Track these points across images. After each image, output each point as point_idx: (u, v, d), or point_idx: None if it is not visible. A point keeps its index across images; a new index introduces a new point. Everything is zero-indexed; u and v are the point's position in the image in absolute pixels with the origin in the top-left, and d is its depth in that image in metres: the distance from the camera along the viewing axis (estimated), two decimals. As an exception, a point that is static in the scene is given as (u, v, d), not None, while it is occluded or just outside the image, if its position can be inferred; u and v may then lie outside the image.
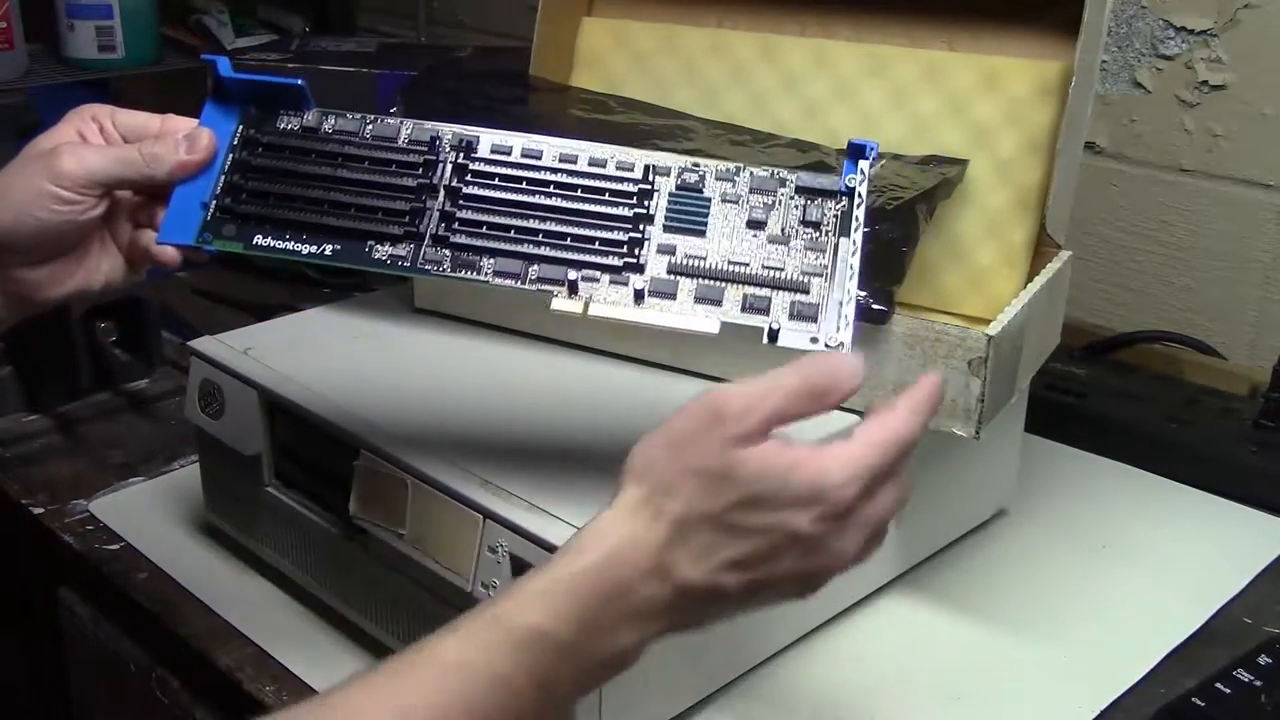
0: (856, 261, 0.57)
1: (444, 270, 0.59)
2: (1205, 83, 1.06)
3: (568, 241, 0.59)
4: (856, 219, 0.58)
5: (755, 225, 0.58)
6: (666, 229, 0.59)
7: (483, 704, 0.47)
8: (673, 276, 0.58)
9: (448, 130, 0.62)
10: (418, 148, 0.61)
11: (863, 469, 0.51)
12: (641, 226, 0.59)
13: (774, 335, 0.56)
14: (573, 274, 0.58)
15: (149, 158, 0.60)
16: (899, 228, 0.72)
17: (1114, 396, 1.00)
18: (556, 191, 0.60)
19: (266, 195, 0.61)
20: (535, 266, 0.58)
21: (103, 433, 0.99)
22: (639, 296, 0.57)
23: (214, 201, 0.61)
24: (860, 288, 0.69)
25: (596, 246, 0.58)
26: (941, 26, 0.84)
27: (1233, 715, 0.67)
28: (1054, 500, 0.91)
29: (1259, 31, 1.03)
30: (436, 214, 0.60)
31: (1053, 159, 0.77)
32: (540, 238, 0.59)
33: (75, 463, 0.94)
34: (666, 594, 0.50)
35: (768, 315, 0.56)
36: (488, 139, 0.61)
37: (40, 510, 0.88)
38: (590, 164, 0.60)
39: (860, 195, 0.58)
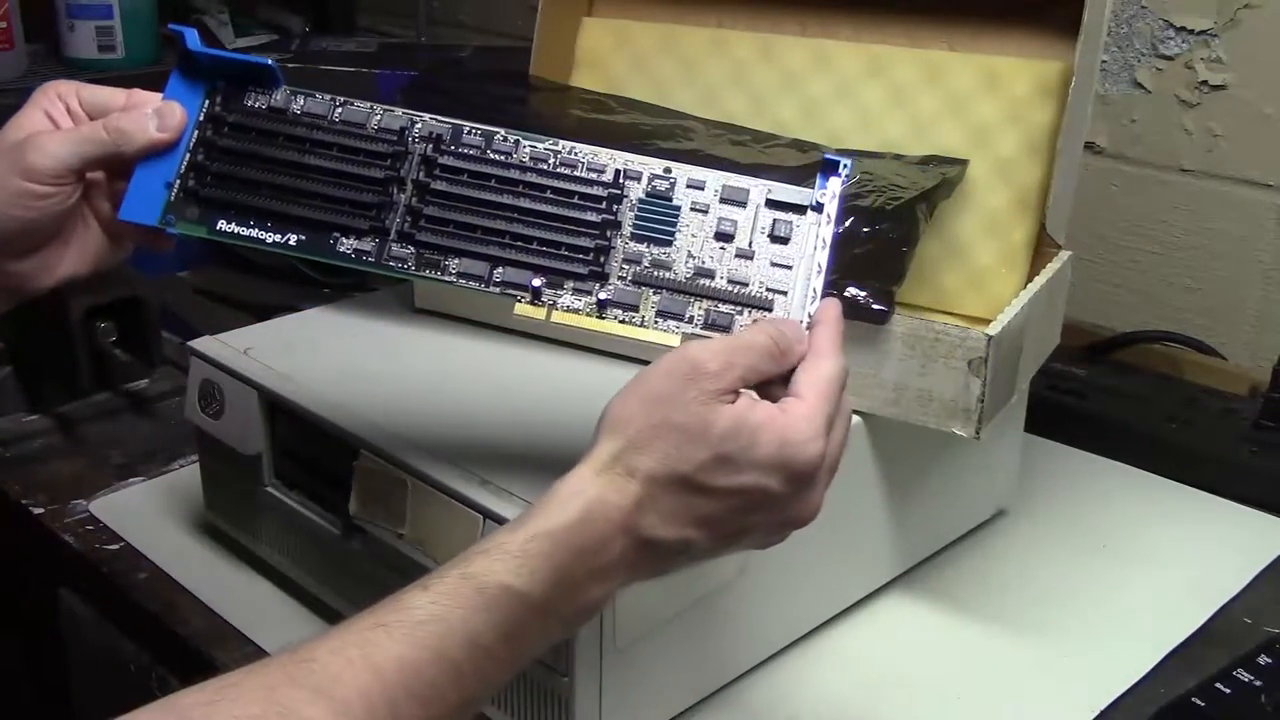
0: (820, 283, 0.57)
1: (408, 268, 0.58)
2: (1205, 83, 1.06)
3: (534, 245, 0.58)
4: (823, 239, 0.58)
5: (724, 238, 0.58)
6: (634, 237, 0.58)
7: (453, 660, 0.47)
8: (637, 287, 0.57)
9: (418, 121, 0.60)
10: (387, 136, 0.60)
11: (822, 422, 0.52)
12: (609, 234, 0.58)
13: None
14: (536, 280, 0.57)
15: (116, 134, 0.59)
16: (899, 228, 0.72)
17: (1114, 396, 1.00)
18: (525, 192, 0.59)
19: (231, 179, 0.60)
20: (500, 269, 0.58)
21: (103, 433, 0.99)
22: (602, 307, 0.57)
23: (178, 182, 0.60)
24: (860, 288, 0.69)
25: (563, 252, 0.58)
26: (941, 26, 0.84)
27: (1233, 715, 0.67)
28: (1054, 500, 0.91)
29: (1259, 31, 1.03)
30: (403, 209, 0.59)
31: (1053, 159, 0.77)
32: (507, 239, 0.58)
33: (75, 463, 0.94)
34: (636, 549, 0.51)
35: (728, 333, 0.56)
36: (456, 134, 0.60)
37: (40, 510, 0.88)
38: (561, 165, 0.59)
39: (830, 215, 0.58)
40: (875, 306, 0.69)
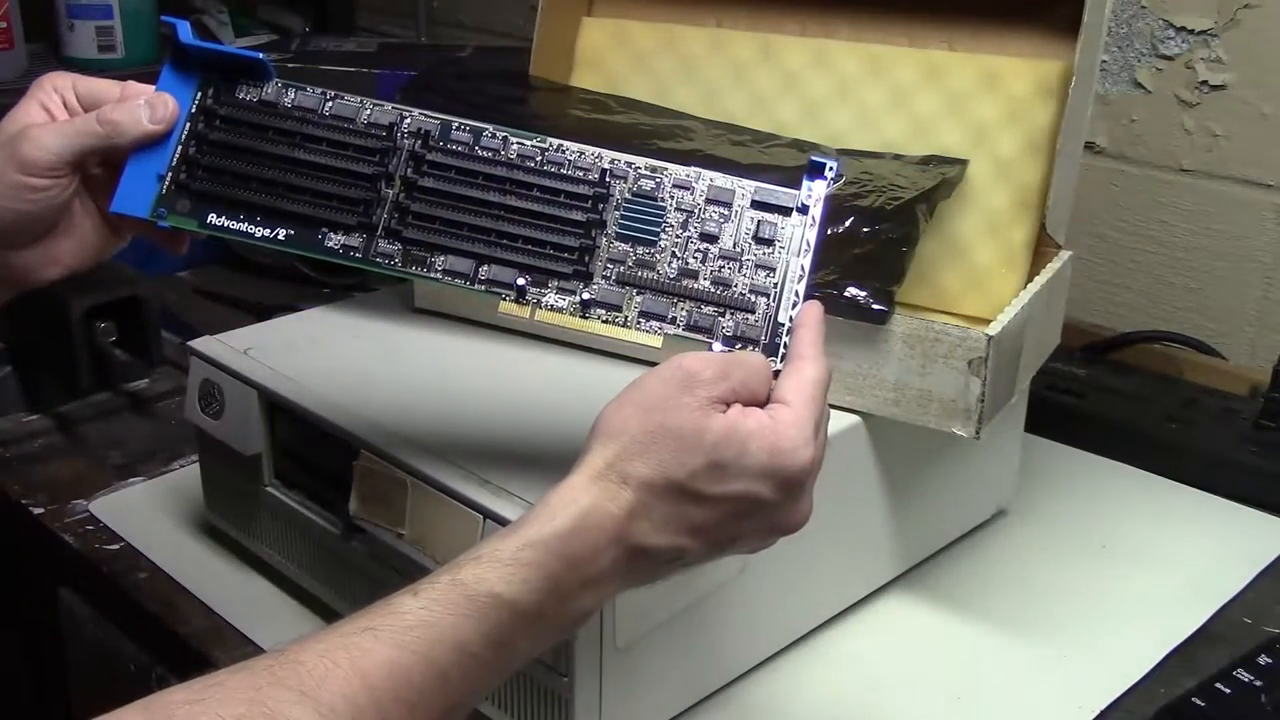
0: (802, 288, 0.57)
1: (395, 265, 0.59)
2: (1205, 83, 1.06)
3: (519, 243, 0.58)
4: (808, 242, 0.58)
5: (708, 238, 0.58)
6: (619, 236, 0.58)
7: (441, 666, 0.47)
8: (621, 287, 0.57)
9: (407, 116, 0.60)
10: (376, 131, 0.60)
11: (810, 428, 0.53)
12: (593, 233, 0.58)
13: None
14: (521, 280, 0.58)
15: (108, 125, 0.60)
16: (899, 228, 0.72)
17: (1114, 396, 1.00)
18: (512, 190, 0.59)
19: (222, 172, 0.60)
20: (485, 267, 0.58)
21: (103, 433, 0.99)
22: (585, 306, 0.57)
23: (169, 174, 0.60)
24: (860, 288, 0.69)
25: (548, 251, 0.58)
26: (941, 26, 0.84)
27: (1233, 715, 0.67)
28: (1054, 500, 0.91)
29: (1259, 31, 1.03)
30: (390, 205, 0.59)
31: (1053, 159, 0.77)
32: (492, 237, 0.58)
33: (75, 463, 0.94)
34: (629, 558, 0.51)
35: (710, 335, 0.57)
36: (445, 130, 0.60)
37: (40, 510, 0.88)
38: (548, 163, 0.59)
39: (814, 218, 0.58)
40: (875, 306, 0.69)
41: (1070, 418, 0.98)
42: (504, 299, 0.58)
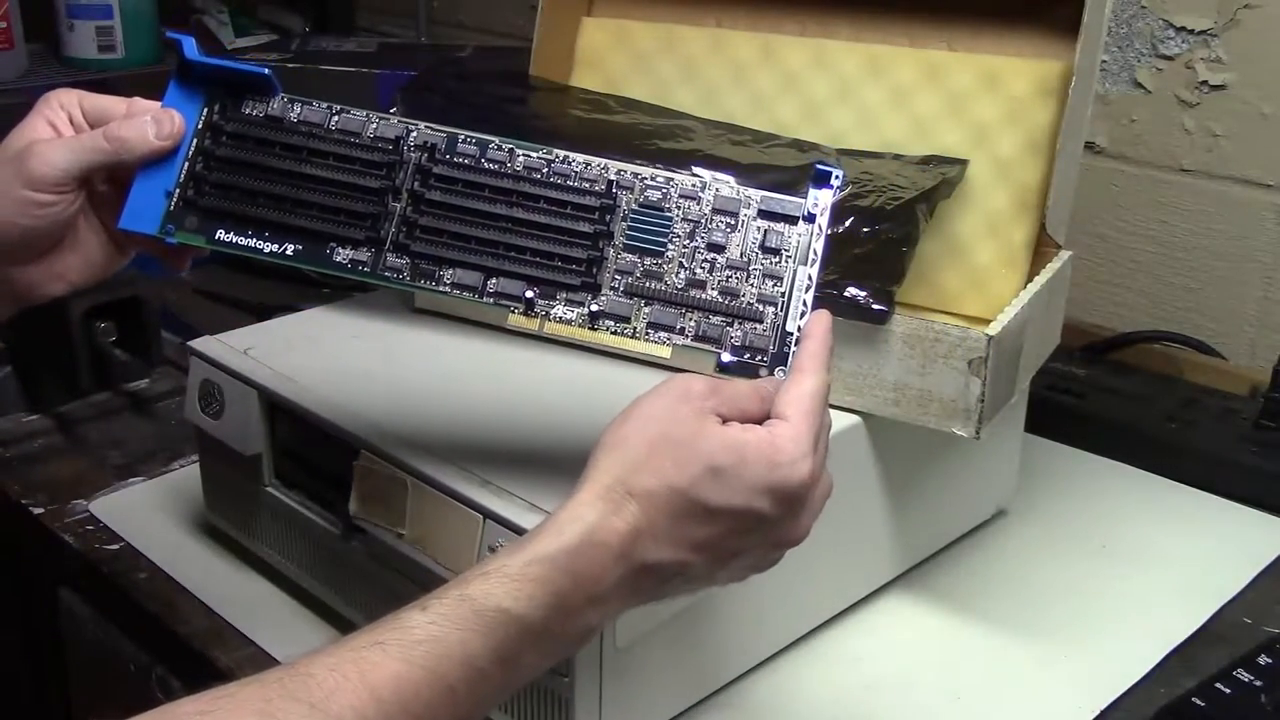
0: (810, 297, 0.57)
1: (403, 279, 0.59)
2: (1205, 83, 1.06)
3: (527, 256, 0.58)
4: (815, 251, 0.58)
5: (715, 248, 0.58)
6: (626, 247, 0.58)
7: (448, 681, 0.47)
8: (629, 298, 0.58)
9: (413, 130, 0.61)
10: (383, 145, 0.60)
11: (809, 441, 0.53)
12: (601, 244, 0.58)
13: (722, 367, 0.57)
14: (529, 292, 0.58)
15: (116, 142, 0.60)
16: (899, 228, 0.72)
17: (1114, 396, 1.00)
18: (519, 202, 0.59)
19: (230, 188, 0.60)
20: (494, 280, 0.58)
21: (103, 433, 0.99)
22: (594, 318, 0.58)
23: (177, 190, 0.61)
24: (860, 288, 0.69)
25: (555, 263, 0.58)
26: (941, 26, 0.84)
27: (1233, 715, 0.67)
28: (1054, 500, 0.91)
29: (1259, 31, 1.03)
30: (398, 219, 0.59)
31: (1053, 159, 0.77)
32: (500, 250, 0.58)
33: (75, 463, 0.94)
34: (634, 574, 0.52)
35: (719, 345, 0.57)
36: (451, 143, 0.60)
37: (40, 510, 0.88)
38: (554, 175, 0.59)
39: (820, 226, 0.58)
40: (875, 306, 0.69)
41: (1070, 418, 0.98)
42: (513, 311, 0.58)
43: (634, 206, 0.59)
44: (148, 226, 0.60)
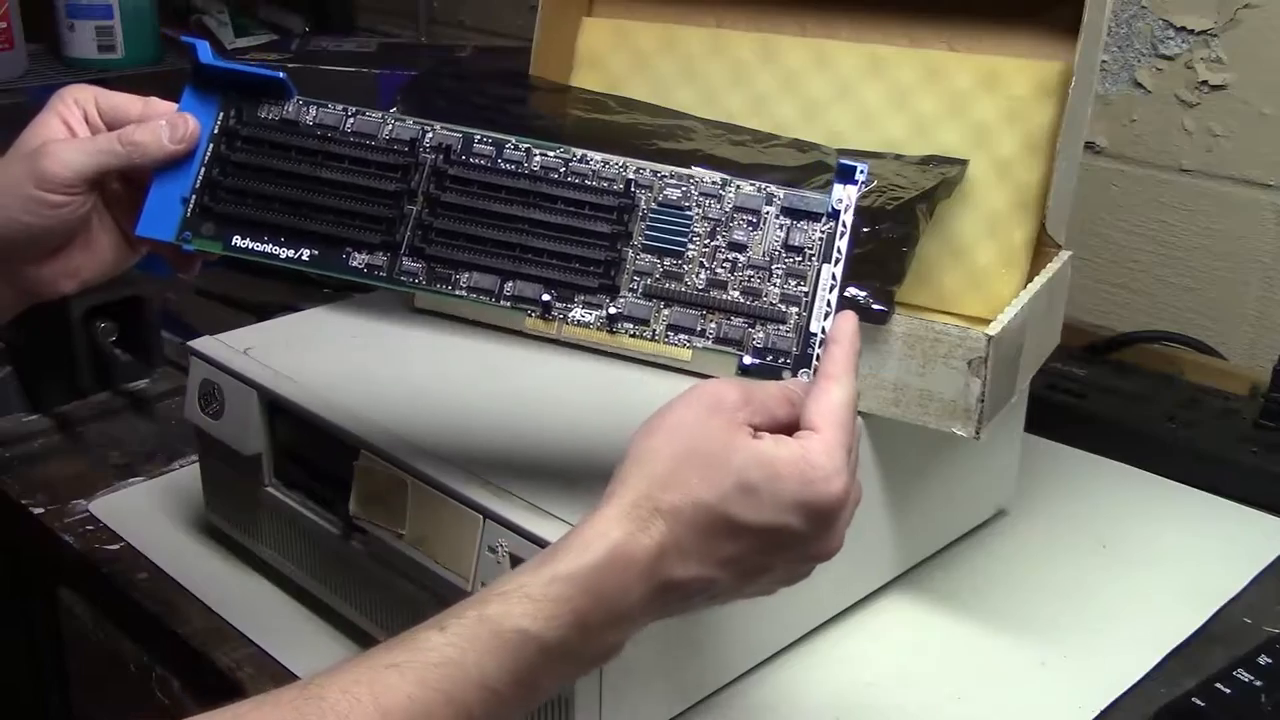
0: (834, 297, 0.56)
1: (419, 283, 0.58)
2: (1205, 83, 1.06)
3: (544, 258, 0.57)
4: (839, 250, 0.56)
5: (737, 247, 0.57)
6: (645, 248, 0.57)
7: (464, 704, 0.46)
8: (648, 300, 0.57)
9: (429, 131, 0.60)
10: (399, 147, 0.60)
11: (842, 455, 0.52)
12: (619, 246, 0.57)
13: (744, 369, 0.56)
14: (546, 295, 0.57)
15: (130, 146, 0.60)
16: (899, 228, 0.72)
17: (1114, 396, 1.00)
18: (536, 203, 0.58)
19: (245, 194, 0.60)
20: (511, 283, 0.57)
21: (103, 433, 0.99)
22: (612, 321, 0.57)
23: (194, 197, 0.60)
24: (860, 288, 0.69)
25: (573, 265, 0.57)
26: (941, 26, 0.84)
27: (1233, 715, 0.67)
28: (1054, 500, 0.91)
29: (1259, 31, 1.03)
30: (413, 223, 0.59)
31: (1053, 159, 0.77)
32: (517, 252, 0.58)
33: (75, 463, 0.94)
34: (659, 592, 0.50)
35: (741, 347, 0.56)
36: (467, 144, 0.60)
37: (40, 510, 0.88)
38: (572, 174, 0.58)
39: (845, 224, 0.57)
40: (875, 306, 0.69)
41: (1070, 418, 0.98)
42: (530, 315, 0.57)
43: (653, 206, 0.58)
44: (164, 234, 0.60)
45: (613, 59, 0.92)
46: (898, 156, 0.80)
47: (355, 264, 0.59)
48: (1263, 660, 0.71)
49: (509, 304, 0.57)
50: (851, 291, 0.69)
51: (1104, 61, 1.11)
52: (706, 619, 0.67)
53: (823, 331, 0.55)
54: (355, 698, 0.45)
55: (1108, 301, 1.15)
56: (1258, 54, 1.03)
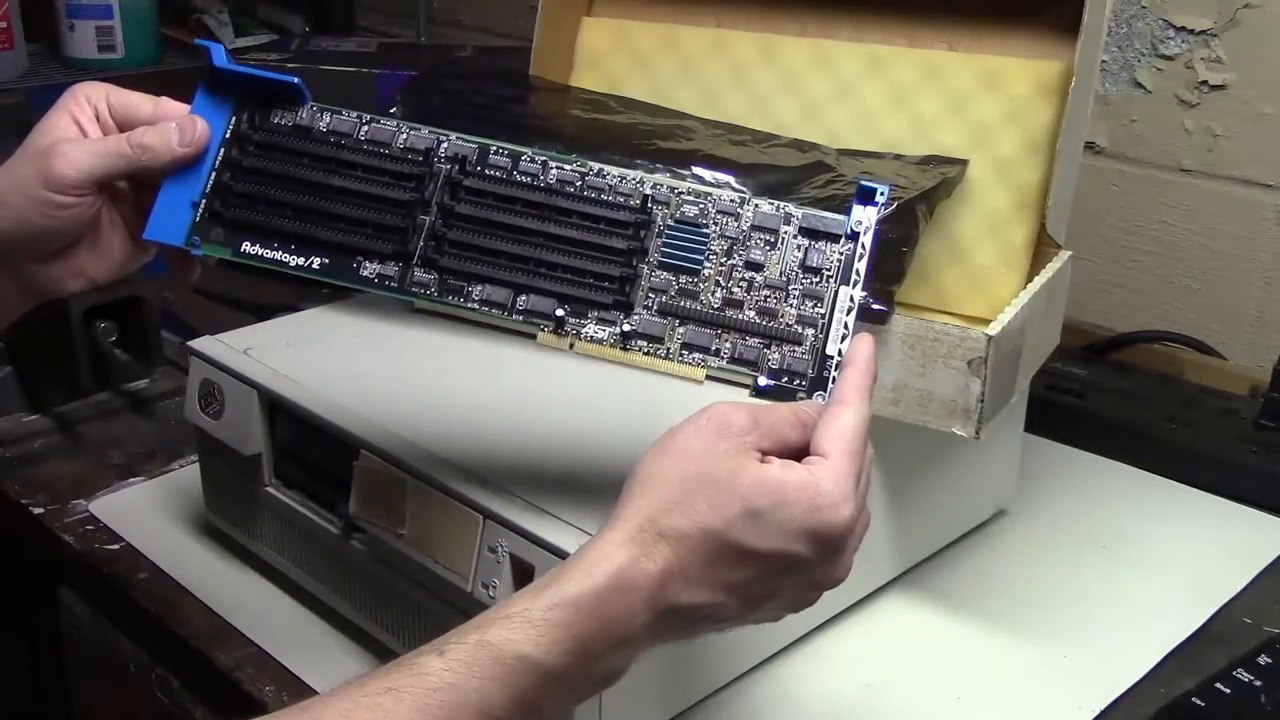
0: (852, 320, 0.55)
1: (431, 294, 0.57)
2: (1205, 83, 1.06)
3: (558, 272, 0.57)
4: (858, 272, 0.56)
5: (753, 267, 0.56)
6: (661, 265, 0.56)
7: None
8: (663, 318, 0.56)
9: (444, 141, 0.59)
10: (413, 156, 0.59)
11: (850, 482, 0.51)
12: (635, 262, 0.56)
13: (759, 391, 0.55)
14: (560, 310, 0.56)
15: (139, 149, 0.59)
16: (899, 228, 0.72)
17: (1114, 396, 1.00)
18: (551, 217, 0.57)
19: (256, 200, 0.60)
20: (524, 297, 0.57)
21: (103, 433, 0.99)
22: (626, 338, 0.56)
23: (203, 201, 0.60)
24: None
25: (588, 280, 0.57)
26: (941, 26, 0.84)
27: (1233, 715, 0.67)
28: (1054, 500, 0.91)
29: (1259, 31, 1.03)
30: (427, 233, 0.58)
31: (1053, 159, 0.77)
32: (531, 266, 0.57)
33: (75, 463, 0.94)
34: (662, 618, 0.50)
35: (756, 368, 0.55)
36: (483, 155, 0.59)
37: (40, 510, 0.88)
38: (588, 188, 0.58)
39: (864, 245, 0.56)
40: (875, 306, 0.69)
41: (1070, 418, 0.98)
42: (542, 330, 0.57)
43: (670, 223, 0.57)
44: (173, 238, 0.60)
45: (613, 59, 0.92)
46: (897, 156, 0.80)
47: (366, 273, 0.58)
48: (1263, 660, 0.71)
49: (521, 318, 0.57)
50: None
51: (1104, 61, 1.11)
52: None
53: (839, 354, 0.55)
54: None
55: (1108, 301, 1.15)
56: (1258, 54, 1.03)
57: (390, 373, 0.77)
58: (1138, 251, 1.13)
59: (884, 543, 0.78)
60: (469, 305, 0.57)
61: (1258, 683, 0.69)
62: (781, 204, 0.57)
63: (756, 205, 0.57)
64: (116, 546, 0.83)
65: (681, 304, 0.56)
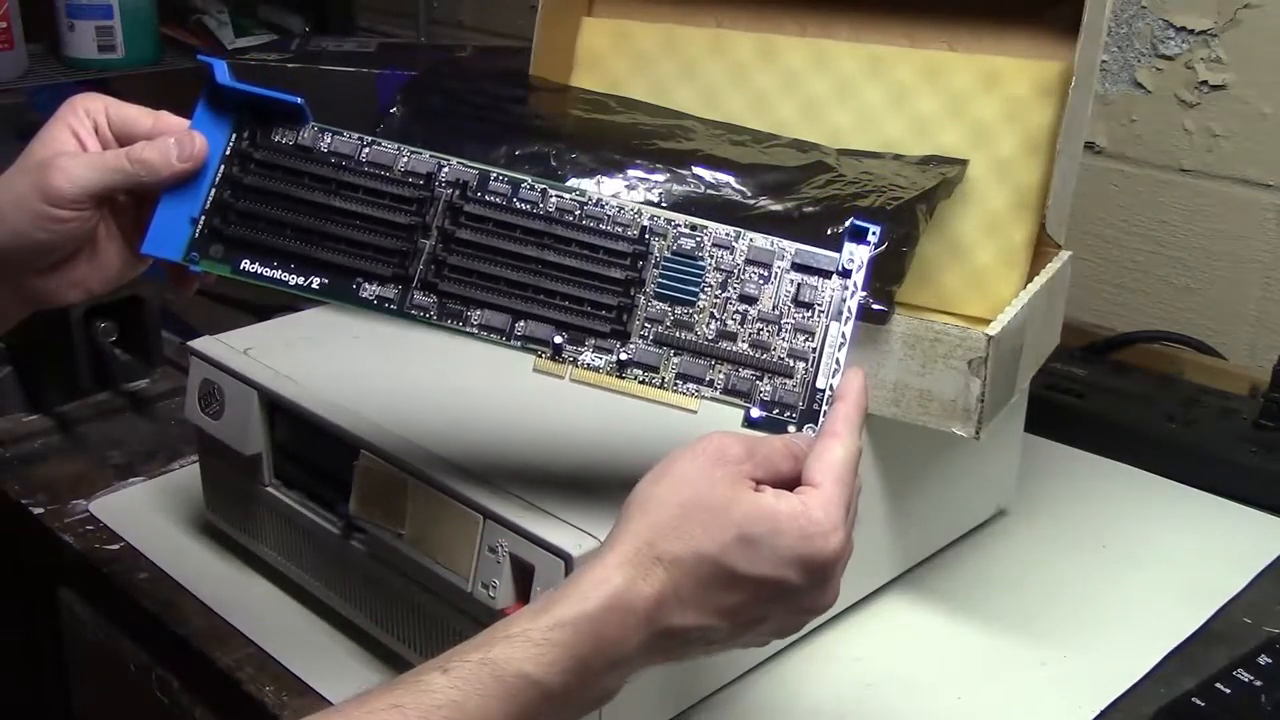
0: (843, 355, 0.56)
1: (430, 318, 0.58)
2: (1205, 83, 1.06)
3: (557, 300, 0.58)
4: (849, 308, 0.57)
5: (747, 300, 0.57)
6: (657, 295, 0.57)
7: None
8: (658, 348, 0.57)
9: (445, 165, 0.60)
10: (414, 180, 0.60)
11: (840, 512, 0.52)
12: (632, 292, 0.57)
13: (751, 422, 0.56)
14: (558, 337, 0.57)
15: (138, 164, 0.59)
16: (899, 228, 0.72)
17: (1114, 396, 1.00)
18: (551, 244, 0.58)
19: (256, 218, 0.60)
20: (522, 323, 0.58)
21: (103, 433, 0.99)
22: (622, 366, 0.57)
23: (203, 218, 0.60)
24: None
25: (586, 309, 0.57)
26: (941, 26, 0.84)
27: (1233, 715, 0.67)
28: (1054, 500, 0.91)
29: (1259, 31, 1.03)
30: (427, 257, 0.59)
31: (1053, 159, 0.77)
32: (530, 293, 0.58)
33: (75, 463, 0.94)
34: (657, 639, 0.51)
35: (748, 399, 0.56)
36: (483, 181, 0.59)
37: (40, 510, 0.88)
38: (587, 218, 0.58)
39: (855, 283, 0.57)
40: (875, 306, 0.69)
41: (1070, 418, 0.98)
42: (540, 355, 0.58)
43: (667, 254, 0.58)
44: (171, 253, 0.60)
45: (613, 59, 0.92)
46: (897, 156, 0.80)
47: (365, 295, 0.59)
48: (1263, 660, 0.71)
49: (519, 344, 0.58)
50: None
51: (1104, 61, 1.11)
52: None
53: (830, 388, 0.56)
54: None
55: (1108, 301, 1.15)
56: (1258, 54, 1.03)
57: (390, 373, 0.77)
58: (1138, 251, 1.14)
59: (884, 543, 0.78)
60: (468, 330, 0.58)
61: (1258, 683, 0.69)
62: (775, 239, 0.58)
63: (751, 239, 0.58)
64: (116, 546, 0.83)
65: (677, 334, 0.57)
